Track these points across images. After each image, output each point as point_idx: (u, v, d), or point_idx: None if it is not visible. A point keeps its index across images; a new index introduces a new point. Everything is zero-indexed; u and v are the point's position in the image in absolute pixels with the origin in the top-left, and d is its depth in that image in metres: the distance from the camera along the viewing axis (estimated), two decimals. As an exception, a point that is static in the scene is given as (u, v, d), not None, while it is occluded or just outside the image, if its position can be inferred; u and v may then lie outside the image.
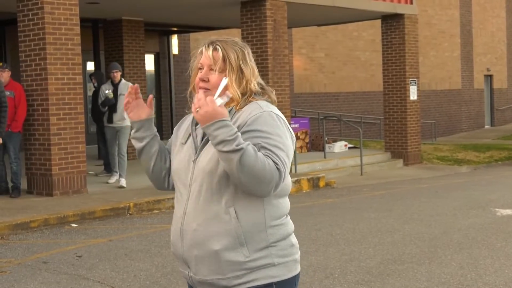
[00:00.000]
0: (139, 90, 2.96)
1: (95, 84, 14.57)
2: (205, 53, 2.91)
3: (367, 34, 26.57)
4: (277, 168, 2.73)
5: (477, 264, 7.44)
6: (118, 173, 13.09)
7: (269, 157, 2.72)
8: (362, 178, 16.49)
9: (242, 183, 2.72)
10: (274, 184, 2.73)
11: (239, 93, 2.89)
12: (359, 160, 17.25)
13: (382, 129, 22.33)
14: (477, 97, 33.04)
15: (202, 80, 2.91)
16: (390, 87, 19.26)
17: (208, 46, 2.91)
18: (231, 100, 2.88)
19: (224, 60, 2.88)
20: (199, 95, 2.71)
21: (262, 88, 2.97)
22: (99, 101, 13.25)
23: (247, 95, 2.91)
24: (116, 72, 13.07)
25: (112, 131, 13.18)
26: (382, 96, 20.38)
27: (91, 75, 15.63)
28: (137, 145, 3.07)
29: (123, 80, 13.23)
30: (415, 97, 19.24)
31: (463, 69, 31.94)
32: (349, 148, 19.85)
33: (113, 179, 13.21)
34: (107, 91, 13.01)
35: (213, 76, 2.89)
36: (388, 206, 11.66)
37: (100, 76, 14.79)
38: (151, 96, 2.96)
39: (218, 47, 2.89)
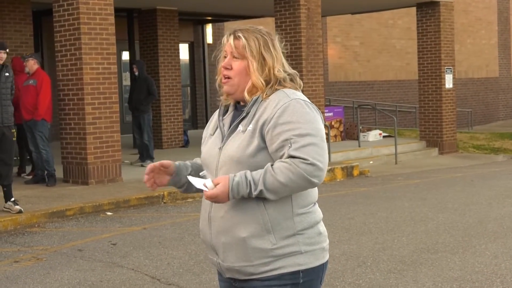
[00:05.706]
0: (152, 168, 3.08)
1: (136, 73, 14.49)
2: (227, 42, 2.96)
3: (402, 22, 26.34)
4: (308, 163, 2.77)
5: (511, 254, 7.37)
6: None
7: (296, 157, 2.77)
8: (397, 167, 16.40)
9: (289, 194, 2.84)
10: (311, 178, 2.78)
11: (262, 80, 2.92)
12: (394, 149, 17.16)
13: (417, 117, 22.17)
14: (515, 85, 32.62)
15: (225, 67, 2.96)
16: (425, 75, 19.11)
17: (230, 35, 2.96)
18: (256, 89, 2.91)
19: (245, 47, 2.91)
20: (204, 198, 2.93)
21: (288, 74, 2.98)
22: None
23: (272, 83, 2.93)
24: None
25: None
26: (417, 84, 20.22)
27: (133, 63, 15.56)
28: (180, 190, 3.28)
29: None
30: (451, 85, 19.06)
31: (500, 57, 31.53)
32: (384, 137, 19.76)
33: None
34: None
35: (236, 64, 2.94)
36: (422, 195, 11.59)
37: (141, 65, 14.63)
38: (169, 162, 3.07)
39: (239, 35, 2.93)
